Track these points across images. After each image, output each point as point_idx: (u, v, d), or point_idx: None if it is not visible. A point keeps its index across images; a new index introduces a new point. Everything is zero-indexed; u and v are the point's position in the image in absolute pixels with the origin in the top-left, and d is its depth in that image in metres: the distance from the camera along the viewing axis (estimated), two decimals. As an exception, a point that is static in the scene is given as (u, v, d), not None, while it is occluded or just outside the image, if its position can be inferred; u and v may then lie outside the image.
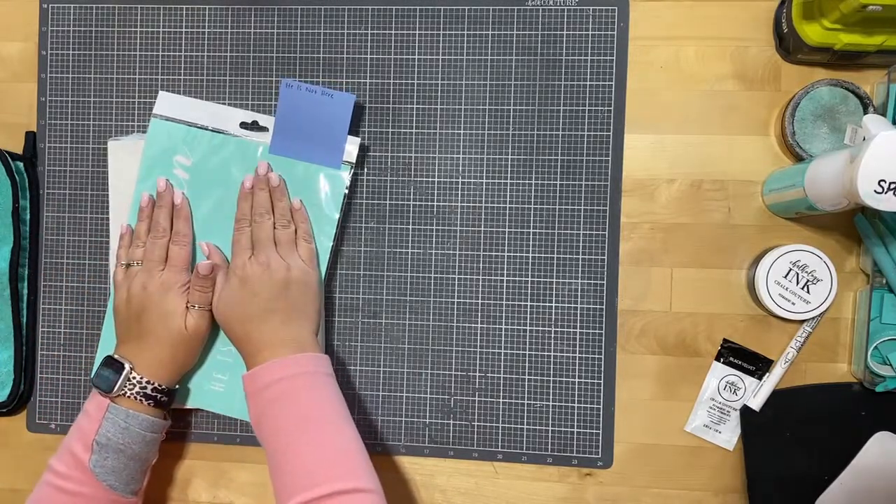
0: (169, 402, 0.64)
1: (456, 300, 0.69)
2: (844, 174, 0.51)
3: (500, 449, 0.69)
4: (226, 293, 0.63)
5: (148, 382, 0.62)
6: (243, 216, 0.65)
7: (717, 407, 0.67)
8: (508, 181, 0.69)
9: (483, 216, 0.69)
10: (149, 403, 0.62)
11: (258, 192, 0.65)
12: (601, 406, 0.68)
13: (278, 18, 0.71)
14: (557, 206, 0.68)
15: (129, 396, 0.61)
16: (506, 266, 0.69)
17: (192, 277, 0.64)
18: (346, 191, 0.67)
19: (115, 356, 0.63)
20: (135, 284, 0.63)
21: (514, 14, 0.69)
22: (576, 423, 0.68)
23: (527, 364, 0.68)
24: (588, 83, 0.68)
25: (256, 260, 0.63)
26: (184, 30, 0.72)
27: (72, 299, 0.72)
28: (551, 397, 0.68)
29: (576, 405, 0.68)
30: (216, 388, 0.68)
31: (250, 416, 0.60)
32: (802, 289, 0.63)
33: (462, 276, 0.69)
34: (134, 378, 0.61)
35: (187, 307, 0.63)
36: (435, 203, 0.69)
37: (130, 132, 0.72)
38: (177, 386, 0.65)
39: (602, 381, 0.68)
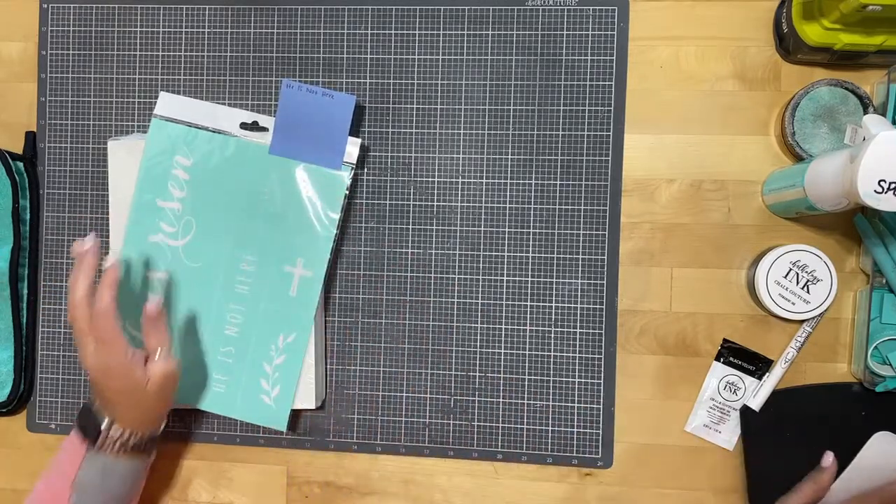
0: (155, 442, 0.63)
1: (456, 300, 0.69)
2: (844, 174, 0.51)
3: (500, 449, 0.69)
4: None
5: (131, 435, 0.60)
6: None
7: (717, 407, 0.67)
8: (508, 181, 0.69)
9: (483, 216, 0.69)
10: (133, 451, 0.60)
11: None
12: (601, 406, 0.68)
13: (278, 18, 0.71)
14: (557, 206, 0.68)
15: (109, 451, 0.59)
16: (506, 266, 0.69)
17: (143, 322, 0.59)
18: (347, 192, 0.67)
19: (93, 409, 0.60)
20: (86, 360, 0.58)
21: (514, 14, 0.69)
22: (576, 423, 0.68)
23: (527, 364, 0.68)
24: (588, 83, 0.68)
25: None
26: (184, 30, 0.72)
27: (72, 299, 0.72)
28: (551, 397, 0.68)
29: (576, 405, 0.68)
30: (216, 389, 0.68)
31: None
32: (802, 289, 0.63)
33: (462, 276, 0.69)
34: (115, 433, 0.59)
35: (147, 357, 0.60)
36: (435, 203, 0.69)
37: (130, 132, 0.72)
38: (164, 424, 0.64)
39: (602, 381, 0.68)
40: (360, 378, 0.70)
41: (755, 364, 0.67)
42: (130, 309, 0.69)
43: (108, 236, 0.71)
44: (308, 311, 0.67)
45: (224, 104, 0.70)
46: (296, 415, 0.70)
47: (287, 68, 0.71)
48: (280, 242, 0.67)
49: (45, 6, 0.73)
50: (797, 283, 0.63)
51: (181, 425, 0.71)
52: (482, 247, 0.69)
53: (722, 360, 0.67)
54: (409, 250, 0.70)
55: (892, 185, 0.49)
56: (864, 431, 0.64)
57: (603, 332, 0.68)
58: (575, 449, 0.68)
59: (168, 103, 0.68)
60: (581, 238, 0.68)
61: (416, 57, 0.69)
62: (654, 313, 0.68)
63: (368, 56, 0.70)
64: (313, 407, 0.68)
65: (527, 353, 0.68)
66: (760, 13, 0.67)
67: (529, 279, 0.68)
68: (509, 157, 0.69)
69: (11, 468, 0.74)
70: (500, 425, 0.69)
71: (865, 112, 0.63)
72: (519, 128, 0.69)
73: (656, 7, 0.68)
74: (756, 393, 0.66)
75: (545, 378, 0.68)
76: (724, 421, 0.67)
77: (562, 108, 0.68)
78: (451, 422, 0.69)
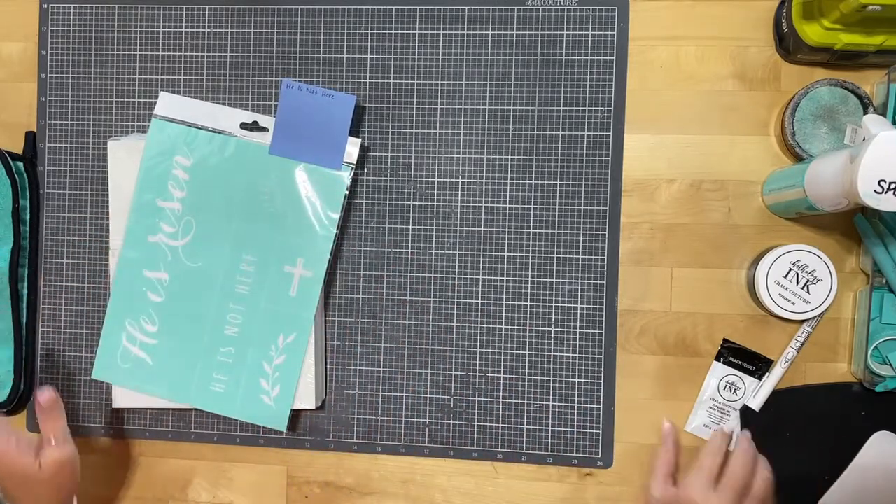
0: None
1: (456, 300, 0.69)
2: (844, 174, 0.51)
3: (500, 449, 0.69)
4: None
5: None
6: None
7: (717, 407, 0.67)
8: (508, 181, 0.69)
9: (483, 216, 0.69)
10: None
11: None
12: (601, 406, 0.68)
13: (278, 18, 0.71)
14: (557, 206, 0.68)
15: None
16: (506, 266, 0.69)
17: (36, 410, 0.58)
18: (347, 192, 0.67)
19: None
20: None
21: (514, 14, 0.69)
22: (576, 423, 0.68)
23: (527, 364, 0.68)
24: (588, 83, 0.68)
25: None
26: (184, 30, 0.72)
27: (72, 299, 0.72)
28: (551, 397, 0.68)
29: (576, 405, 0.68)
30: (216, 389, 0.68)
31: None
32: (802, 289, 0.63)
33: (462, 276, 0.69)
34: None
35: (40, 447, 0.57)
36: (435, 203, 0.69)
37: (130, 132, 0.72)
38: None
39: (602, 381, 0.68)
40: (360, 378, 0.70)
41: (755, 364, 0.67)
42: (131, 310, 0.69)
43: (108, 236, 0.71)
44: (308, 311, 0.67)
45: (224, 104, 0.70)
46: (296, 415, 0.70)
47: (287, 68, 0.71)
48: (280, 242, 0.67)
49: (45, 6, 0.73)
50: (797, 283, 0.63)
51: (181, 425, 0.71)
52: (482, 247, 0.69)
53: (722, 360, 0.67)
54: (409, 250, 0.70)
55: (892, 185, 0.49)
56: (864, 431, 0.64)
57: (603, 332, 0.68)
58: (575, 449, 0.68)
59: (168, 103, 0.68)
60: (581, 238, 0.68)
61: (416, 57, 0.69)
62: (654, 313, 0.68)
63: (368, 56, 0.70)
64: (313, 407, 0.68)
65: (527, 353, 0.68)
66: (760, 13, 0.67)
67: (529, 279, 0.68)
68: (509, 157, 0.69)
69: (11, 468, 0.74)
70: (500, 425, 0.69)
71: (865, 112, 0.63)
72: (519, 128, 0.69)
73: (656, 7, 0.68)
74: (756, 393, 0.66)
75: (545, 378, 0.68)
76: (724, 421, 0.67)
77: (562, 108, 0.68)
78: (451, 422, 0.69)
